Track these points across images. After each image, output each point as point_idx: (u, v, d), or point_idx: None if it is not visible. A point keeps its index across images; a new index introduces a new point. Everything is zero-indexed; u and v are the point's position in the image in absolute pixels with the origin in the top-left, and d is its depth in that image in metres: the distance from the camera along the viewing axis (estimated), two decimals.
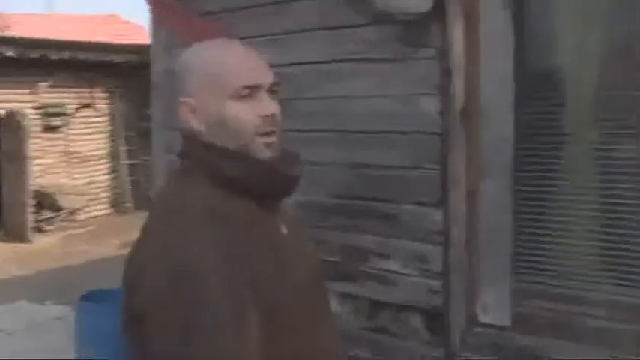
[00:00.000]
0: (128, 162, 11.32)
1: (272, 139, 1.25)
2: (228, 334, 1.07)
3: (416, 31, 2.22)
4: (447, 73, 2.18)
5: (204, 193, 1.20)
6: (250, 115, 1.22)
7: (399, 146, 2.29)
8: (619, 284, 2.05)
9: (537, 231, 2.17)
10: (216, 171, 1.22)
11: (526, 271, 2.19)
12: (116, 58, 10.45)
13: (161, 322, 1.09)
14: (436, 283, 2.29)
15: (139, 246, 1.20)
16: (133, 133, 11.38)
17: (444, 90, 2.20)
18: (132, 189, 11.27)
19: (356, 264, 2.43)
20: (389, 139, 2.30)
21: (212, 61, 1.24)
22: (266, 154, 1.24)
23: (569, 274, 2.13)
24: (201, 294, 1.08)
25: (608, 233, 2.07)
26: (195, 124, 1.23)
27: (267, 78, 1.25)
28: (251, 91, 1.22)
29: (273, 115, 1.24)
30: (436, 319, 2.29)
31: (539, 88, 2.14)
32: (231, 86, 1.22)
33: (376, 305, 2.41)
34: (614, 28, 2.05)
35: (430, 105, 2.23)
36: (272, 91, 1.26)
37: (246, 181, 1.22)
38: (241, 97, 1.22)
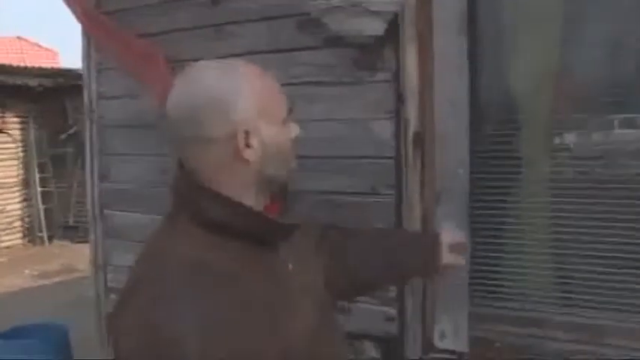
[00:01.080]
0: (41, 189, 10.85)
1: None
2: None
3: (370, 54, 2.19)
4: (400, 97, 2.16)
5: (187, 241, 1.10)
6: (289, 139, 1.23)
7: (354, 172, 2.25)
8: (575, 306, 2.07)
9: (494, 254, 2.17)
10: (198, 212, 1.13)
11: (483, 295, 2.18)
12: (30, 82, 10.02)
13: None
14: (392, 311, 2.25)
15: (120, 304, 1.09)
16: (47, 159, 10.97)
17: (398, 114, 2.18)
18: (46, 218, 10.81)
19: None
20: (343, 165, 2.26)
21: (264, 88, 1.17)
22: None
23: (526, 298, 2.15)
24: None
25: (563, 255, 2.10)
26: (248, 153, 1.14)
27: (290, 100, 1.25)
28: (289, 115, 1.22)
29: (298, 137, 1.25)
30: (392, 347, 2.25)
31: (494, 112, 2.15)
32: (282, 112, 1.21)
33: None
34: (567, 54, 2.08)
35: (385, 129, 2.20)
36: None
37: (233, 225, 1.13)
38: (285, 122, 1.21)
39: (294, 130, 1.24)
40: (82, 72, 3.11)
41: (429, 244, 1.64)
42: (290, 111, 1.23)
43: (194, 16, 2.62)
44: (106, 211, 3.00)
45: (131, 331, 1.01)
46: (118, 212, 2.96)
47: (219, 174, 1.15)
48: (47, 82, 10.20)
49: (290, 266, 1.23)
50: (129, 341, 1.01)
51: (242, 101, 1.13)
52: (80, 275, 8.60)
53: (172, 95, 1.16)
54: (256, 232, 1.15)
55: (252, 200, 1.17)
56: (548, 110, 2.09)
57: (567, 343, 2.04)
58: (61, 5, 2.86)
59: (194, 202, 1.14)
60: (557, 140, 2.10)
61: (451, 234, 1.67)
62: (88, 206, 3.03)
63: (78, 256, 9.52)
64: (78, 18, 2.85)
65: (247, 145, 1.13)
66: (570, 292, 2.08)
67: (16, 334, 3.70)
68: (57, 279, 8.35)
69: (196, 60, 2.71)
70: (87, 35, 2.97)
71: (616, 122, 2.05)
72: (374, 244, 1.64)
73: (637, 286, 1.97)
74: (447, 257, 1.62)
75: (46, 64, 13.59)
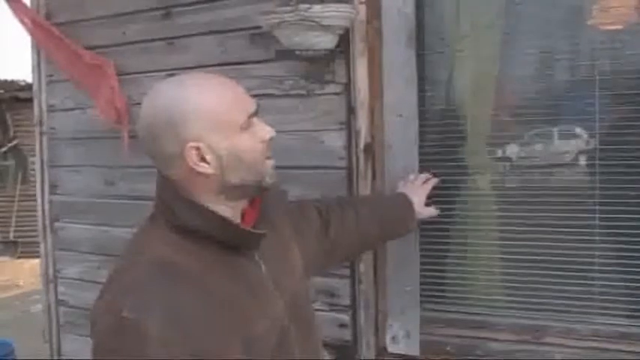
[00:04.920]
0: None
1: (273, 161, 1.28)
2: None
3: (321, 67, 2.25)
4: (351, 108, 2.22)
5: (160, 243, 1.18)
6: (256, 143, 1.23)
7: (306, 182, 2.30)
8: (517, 308, 2.17)
9: (444, 260, 2.26)
10: (173, 218, 1.20)
11: (433, 300, 2.26)
12: None
13: None
14: (345, 317, 2.30)
15: (100, 292, 1.17)
16: None
17: (349, 125, 2.24)
18: None
19: None
20: (295, 175, 2.30)
21: (212, 100, 1.19)
22: (274, 178, 1.27)
23: (473, 302, 2.23)
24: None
25: (507, 261, 2.19)
26: (207, 168, 1.19)
27: (255, 103, 1.26)
28: (251, 119, 1.22)
29: (272, 138, 1.26)
30: (346, 353, 2.30)
31: (441, 122, 2.23)
32: (238, 119, 1.20)
33: None
34: (507, 67, 2.18)
35: (336, 140, 2.26)
36: (257, 114, 1.26)
37: (205, 232, 1.20)
38: (246, 128, 1.21)
39: (263, 132, 1.25)
40: (22, 83, 3.09)
41: (403, 204, 1.94)
42: (254, 114, 1.23)
43: (145, 29, 2.63)
44: (56, 224, 2.97)
45: (103, 315, 1.10)
46: (67, 224, 2.93)
47: (185, 184, 1.22)
48: None
49: (263, 268, 1.29)
50: (101, 324, 1.10)
51: (191, 119, 1.17)
52: (21, 292, 8.40)
53: (138, 116, 1.23)
54: (225, 240, 1.21)
55: (223, 207, 1.24)
56: (491, 121, 2.18)
57: (510, 343, 2.14)
58: None
59: (170, 208, 1.21)
60: (499, 151, 2.19)
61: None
62: (39, 218, 3.00)
63: (19, 272, 9.29)
64: (27, 29, 2.82)
65: (203, 160, 1.18)
66: (513, 295, 2.17)
67: None
68: None
69: (147, 73, 2.73)
70: (36, 47, 2.94)
71: (555, 133, 2.15)
72: (359, 215, 1.81)
73: (572, 289, 2.08)
74: (424, 211, 2.00)
75: None
